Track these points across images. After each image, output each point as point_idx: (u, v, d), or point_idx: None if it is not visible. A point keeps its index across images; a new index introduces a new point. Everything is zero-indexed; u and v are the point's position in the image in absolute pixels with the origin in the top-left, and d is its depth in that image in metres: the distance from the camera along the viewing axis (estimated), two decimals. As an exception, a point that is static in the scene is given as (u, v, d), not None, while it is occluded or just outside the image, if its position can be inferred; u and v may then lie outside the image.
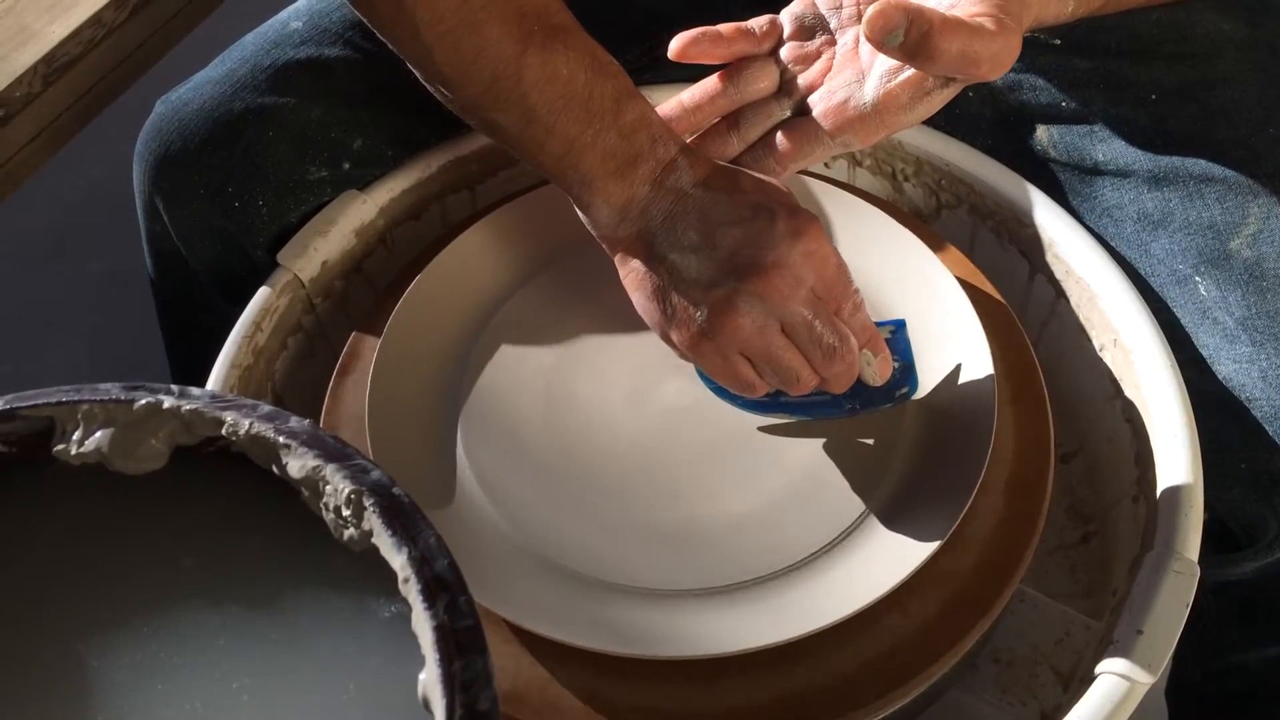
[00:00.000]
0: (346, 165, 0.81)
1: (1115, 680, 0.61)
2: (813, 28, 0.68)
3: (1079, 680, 0.67)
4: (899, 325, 0.69)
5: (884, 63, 0.63)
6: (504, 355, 0.73)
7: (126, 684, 0.46)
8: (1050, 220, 0.78)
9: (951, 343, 0.71)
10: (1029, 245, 0.80)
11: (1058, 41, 0.79)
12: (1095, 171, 0.79)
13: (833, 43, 0.67)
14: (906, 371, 0.68)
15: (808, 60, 0.68)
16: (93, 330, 1.40)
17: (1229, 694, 0.80)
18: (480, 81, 0.63)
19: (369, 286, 0.83)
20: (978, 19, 0.58)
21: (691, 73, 0.69)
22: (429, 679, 0.38)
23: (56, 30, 0.87)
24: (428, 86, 0.66)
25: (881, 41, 0.57)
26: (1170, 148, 0.76)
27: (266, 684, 0.45)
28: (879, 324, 0.67)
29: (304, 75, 0.80)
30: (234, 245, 0.81)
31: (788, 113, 0.68)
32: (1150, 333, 0.72)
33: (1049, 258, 0.79)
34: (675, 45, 0.66)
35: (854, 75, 0.64)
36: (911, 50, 0.57)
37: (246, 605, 0.47)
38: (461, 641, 0.39)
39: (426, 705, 0.38)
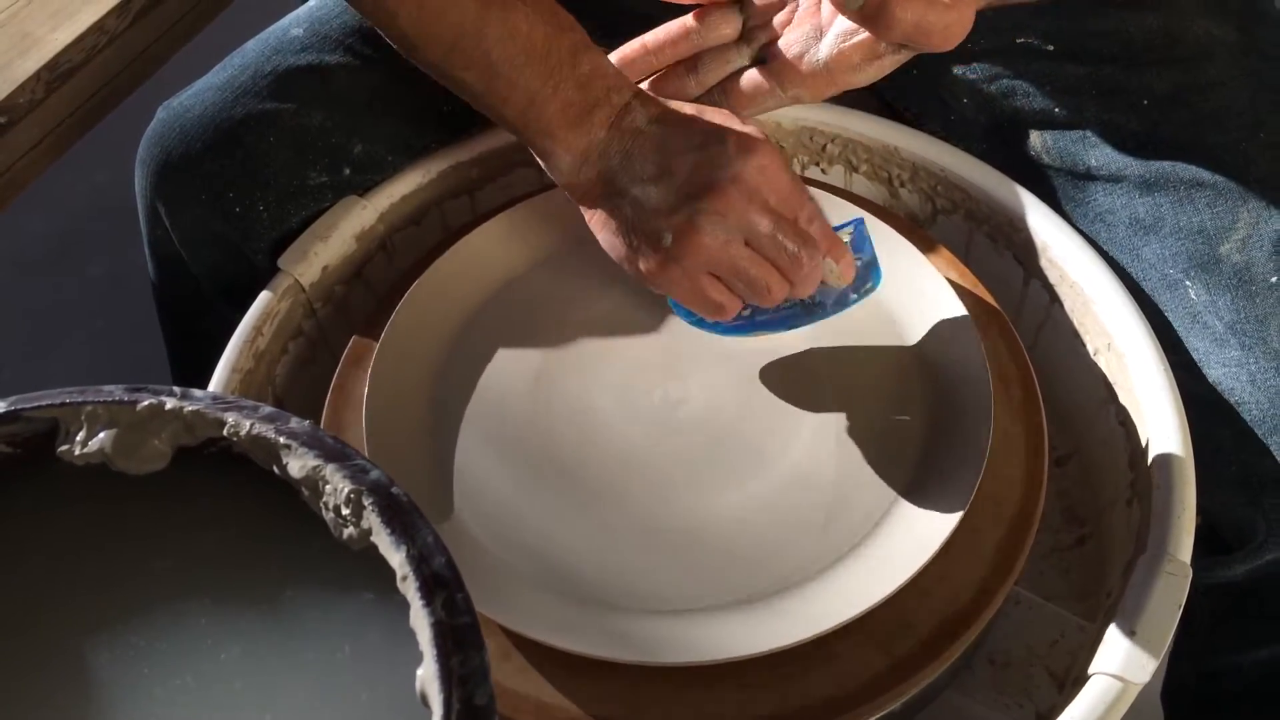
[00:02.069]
0: (347, 171, 0.81)
1: (1108, 680, 0.61)
2: None
3: (1073, 681, 0.67)
4: (857, 223, 0.70)
5: (841, 24, 0.65)
6: (502, 359, 0.73)
7: (126, 682, 0.47)
8: (1045, 225, 0.79)
9: (947, 349, 0.71)
10: (1024, 250, 0.80)
11: (1051, 48, 0.80)
12: (1088, 177, 0.79)
13: None
14: (870, 267, 0.69)
15: (771, 10, 0.70)
16: (94, 335, 1.40)
17: (1223, 696, 0.81)
18: (445, 40, 0.65)
19: (369, 291, 0.84)
20: None
21: None
22: (426, 674, 0.39)
23: (59, 37, 0.88)
24: (395, 47, 0.68)
25: (843, 3, 0.59)
26: (1161, 153, 0.77)
27: (263, 679, 0.46)
28: (838, 227, 0.69)
29: (305, 81, 0.80)
30: (235, 250, 0.82)
31: (745, 61, 0.70)
32: (1144, 337, 0.72)
33: (1044, 263, 0.79)
34: None
35: (812, 31, 0.66)
36: (870, 15, 0.59)
37: (247, 603, 0.47)
38: (459, 637, 0.39)
39: (424, 700, 0.39)
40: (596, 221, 0.68)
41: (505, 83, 0.66)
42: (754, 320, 0.70)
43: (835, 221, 0.70)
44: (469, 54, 0.65)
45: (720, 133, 0.65)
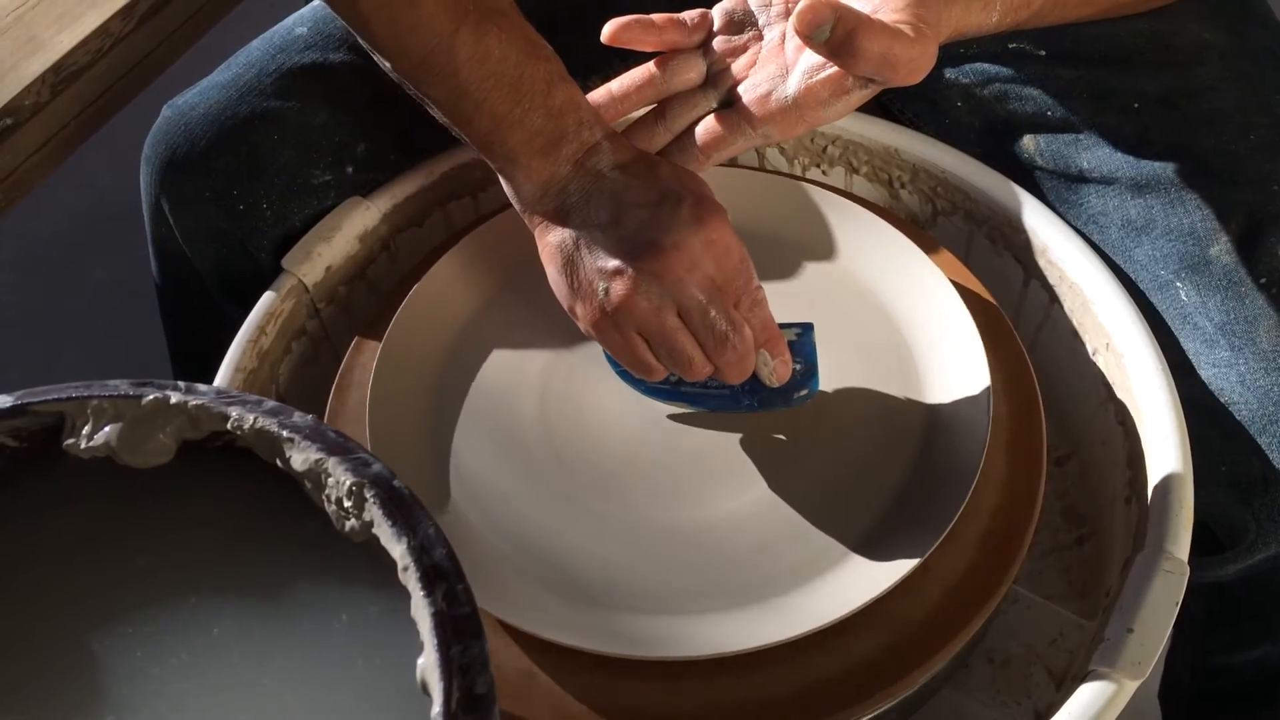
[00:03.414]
0: (350, 169, 0.82)
1: (1107, 678, 0.62)
2: (741, 23, 0.70)
3: (1072, 679, 0.67)
4: (806, 328, 0.69)
5: (807, 60, 0.64)
6: (504, 361, 0.74)
7: (121, 667, 0.47)
8: (1044, 226, 0.79)
9: (948, 348, 0.72)
10: (1023, 251, 0.81)
11: (1043, 52, 0.81)
12: (1081, 179, 0.80)
13: (760, 38, 0.69)
14: (808, 374, 0.69)
15: (735, 54, 0.69)
16: (98, 336, 1.41)
17: (1218, 695, 0.81)
18: (414, 55, 0.65)
19: (372, 291, 0.84)
20: (899, 25, 0.60)
21: None
22: (427, 663, 0.39)
23: (65, 40, 0.89)
24: (369, 52, 0.69)
25: (809, 36, 0.59)
26: (1153, 155, 0.77)
27: (257, 649, 0.46)
28: (786, 325, 0.68)
29: (309, 80, 0.81)
30: (238, 248, 0.82)
31: (713, 104, 0.69)
32: (1142, 337, 0.73)
33: (1043, 263, 0.80)
34: (608, 30, 0.68)
35: (778, 70, 0.66)
36: (835, 47, 0.59)
37: (248, 595, 0.48)
38: (459, 627, 0.40)
39: (425, 689, 0.39)
40: (546, 253, 0.68)
41: (472, 104, 0.66)
42: (678, 390, 0.70)
43: (789, 320, 0.69)
44: (438, 72, 0.65)
45: (678, 195, 0.65)
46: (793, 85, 0.64)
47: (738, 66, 0.68)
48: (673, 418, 0.71)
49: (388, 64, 0.68)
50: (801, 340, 0.69)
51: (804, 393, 0.68)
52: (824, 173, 0.88)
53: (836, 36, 0.59)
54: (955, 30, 0.64)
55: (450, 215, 0.86)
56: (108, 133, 0.95)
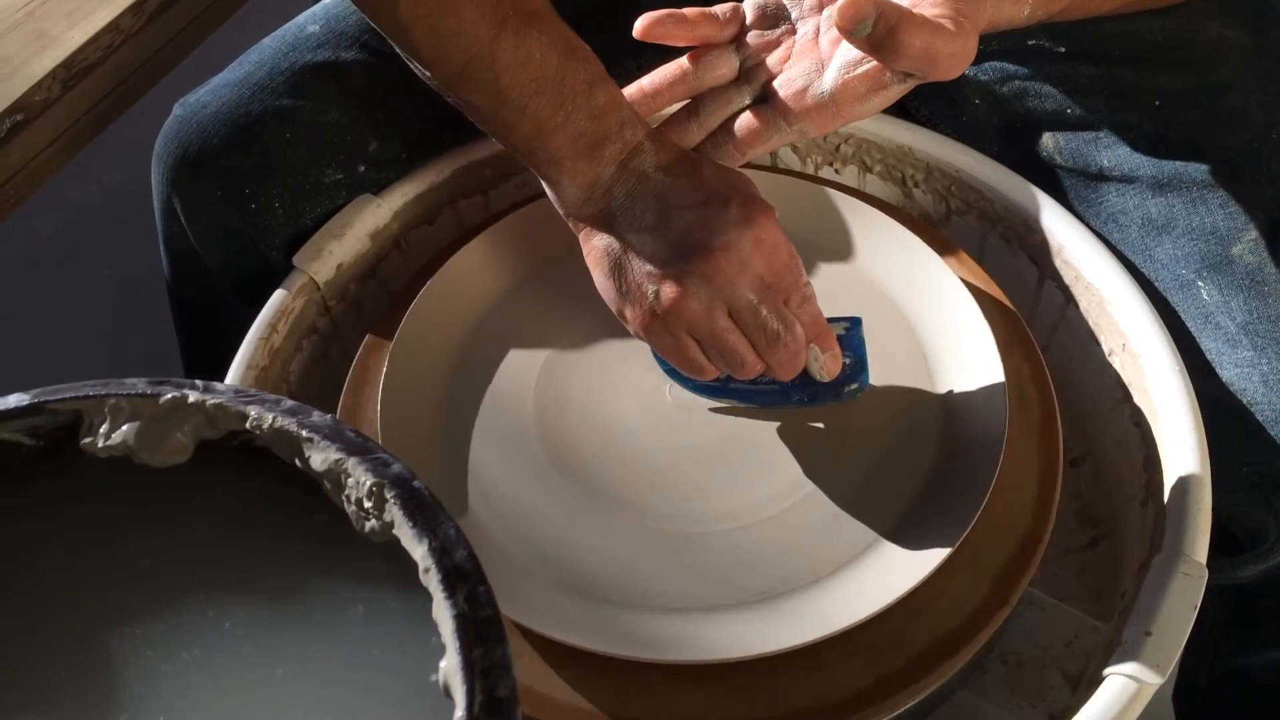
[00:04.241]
0: (362, 168, 0.82)
1: (1123, 681, 0.61)
2: (775, 16, 0.69)
3: (1087, 682, 0.67)
4: (854, 323, 0.70)
5: (843, 54, 0.64)
6: (515, 358, 0.73)
7: (133, 665, 0.47)
8: (1059, 226, 0.79)
9: (962, 349, 0.71)
10: (1038, 251, 0.80)
11: (1063, 49, 0.80)
12: (1100, 177, 0.79)
13: (793, 32, 0.68)
14: (858, 368, 0.69)
15: (768, 48, 0.69)
16: (107, 334, 1.41)
17: (1234, 698, 0.80)
18: (455, 62, 0.64)
19: (383, 289, 0.84)
20: (939, 19, 0.60)
21: None
22: (449, 667, 0.39)
23: (75, 36, 0.88)
24: (407, 62, 0.68)
25: (850, 31, 0.59)
26: (1174, 153, 0.77)
27: (270, 640, 0.46)
28: (834, 319, 0.68)
29: (321, 78, 0.81)
30: (250, 247, 0.82)
31: (747, 100, 0.69)
32: (1158, 337, 0.72)
33: (1058, 263, 0.79)
34: (640, 24, 0.68)
35: (813, 65, 0.65)
36: (877, 43, 0.59)
37: (263, 595, 0.47)
38: (481, 630, 0.39)
39: (447, 692, 0.39)
40: (592, 257, 0.68)
41: (514, 109, 0.65)
42: (728, 386, 0.70)
43: (832, 314, 0.69)
44: (479, 78, 0.64)
45: (725, 195, 0.65)
46: (829, 81, 0.64)
47: (771, 61, 0.68)
48: (686, 418, 0.71)
49: (428, 72, 0.67)
50: (850, 334, 0.69)
51: (854, 386, 0.69)
52: (837, 171, 0.88)
53: (878, 31, 0.58)
54: (989, 23, 0.64)
55: (461, 213, 0.86)
56: (117, 129, 0.95)
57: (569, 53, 0.65)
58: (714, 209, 0.64)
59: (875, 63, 0.62)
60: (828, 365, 0.67)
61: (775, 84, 0.66)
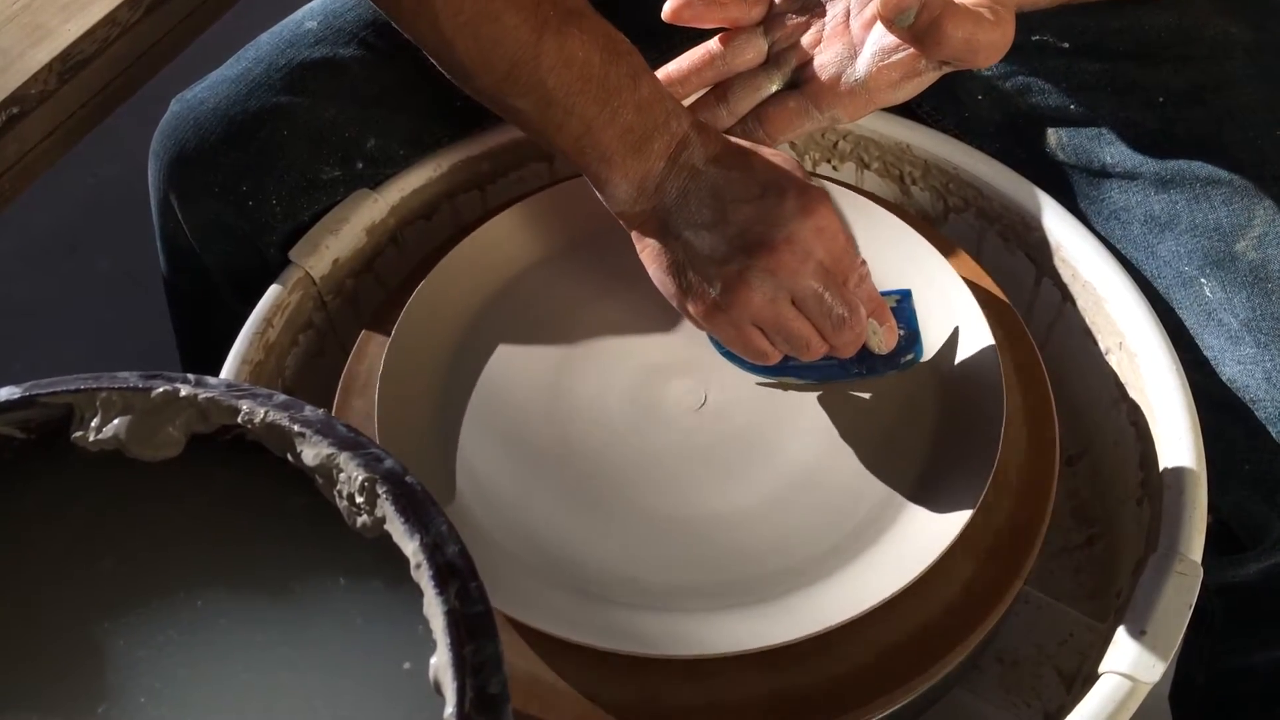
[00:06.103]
0: (360, 165, 0.81)
1: (1118, 680, 0.61)
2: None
3: (1083, 680, 0.67)
4: (905, 295, 0.70)
5: (877, 40, 0.64)
6: (512, 354, 0.73)
7: (124, 662, 0.47)
8: (1057, 224, 0.79)
9: (962, 351, 0.71)
10: (1036, 249, 0.80)
11: (1066, 45, 0.80)
12: (1103, 174, 0.79)
13: (822, 14, 0.68)
14: (912, 339, 0.69)
15: (797, 31, 0.68)
16: (103, 328, 1.40)
17: (1234, 697, 0.80)
18: (499, 69, 0.64)
19: (379, 285, 0.84)
20: (978, 7, 0.60)
21: None
22: (440, 663, 0.39)
23: (72, 28, 0.88)
24: (448, 76, 0.67)
25: (893, 20, 0.58)
26: (1177, 150, 0.77)
27: (268, 667, 0.46)
28: (885, 293, 0.69)
29: (319, 75, 0.80)
30: (247, 243, 0.82)
31: (776, 85, 0.68)
32: (1155, 336, 0.72)
33: (1056, 261, 0.79)
34: (669, 7, 0.67)
35: (845, 50, 0.65)
36: (920, 33, 0.59)
37: (256, 588, 0.47)
38: (473, 626, 0.39)
39: (438, 688, 0.39)
40: (647, 255, 0.67)
41: (561, 110, 0.64)
42: (787, 364, 0.70)
43: (883, 290, 0.70)
44: (524, 82, 0.64)
45: (780, 185, 0.64)
46: (863, 67, 0.64)
47: (802, 45, 0.67)
48: (680, 414, 0.70)
49: (470, 84, 0.66)
50: (902, 306, 0.70)
51: (910, 357, 0.69)
52: (834, 168, 0.88)
53: (921, 22, 0.58)
54: (1018, 4, 0.64)
55: (458, 208, 0.86)
56: (114, 122, 0.95)
57: (610, 48, 0.64)
58: (771, 201, 0.64)
59: (910, 50, 0.62)
60: (886, 339, 0.68)
61: (806, 70, 0.66)
